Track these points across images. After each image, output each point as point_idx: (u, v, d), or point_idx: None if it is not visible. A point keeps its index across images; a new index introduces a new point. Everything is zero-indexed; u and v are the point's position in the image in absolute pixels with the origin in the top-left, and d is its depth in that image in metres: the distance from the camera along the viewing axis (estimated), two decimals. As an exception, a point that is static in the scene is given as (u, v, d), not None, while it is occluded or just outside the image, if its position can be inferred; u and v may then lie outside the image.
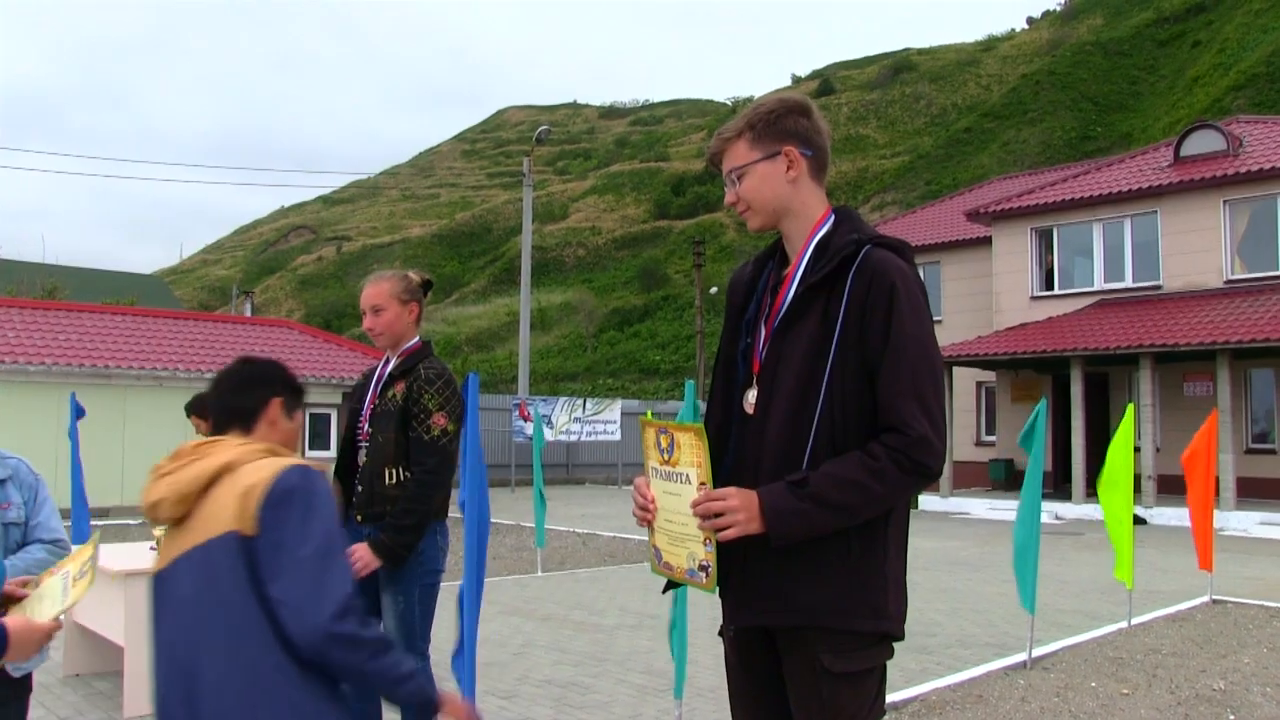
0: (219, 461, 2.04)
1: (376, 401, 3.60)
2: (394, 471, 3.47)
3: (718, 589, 2.04)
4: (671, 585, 2.19)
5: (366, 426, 3.61)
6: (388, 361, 3.68)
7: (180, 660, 1.98)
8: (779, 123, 2.12)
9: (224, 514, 1.97)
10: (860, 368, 1.99)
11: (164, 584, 2.06)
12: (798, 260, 2.14)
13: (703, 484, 1.97)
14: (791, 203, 2.14)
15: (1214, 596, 8.55)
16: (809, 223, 2.16)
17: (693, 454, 1.98)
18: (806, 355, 2.02)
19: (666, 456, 2.04)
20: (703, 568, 2.00)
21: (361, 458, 3.61)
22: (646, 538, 2.19)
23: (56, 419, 15.40)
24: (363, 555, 3.35)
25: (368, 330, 3.63)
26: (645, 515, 2.11)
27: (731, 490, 1.94)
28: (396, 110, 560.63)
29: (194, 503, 2.03)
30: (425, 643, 3.54)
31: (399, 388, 3.54)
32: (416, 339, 3.68)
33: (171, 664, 2.00)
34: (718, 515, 1.93)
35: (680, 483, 2.01)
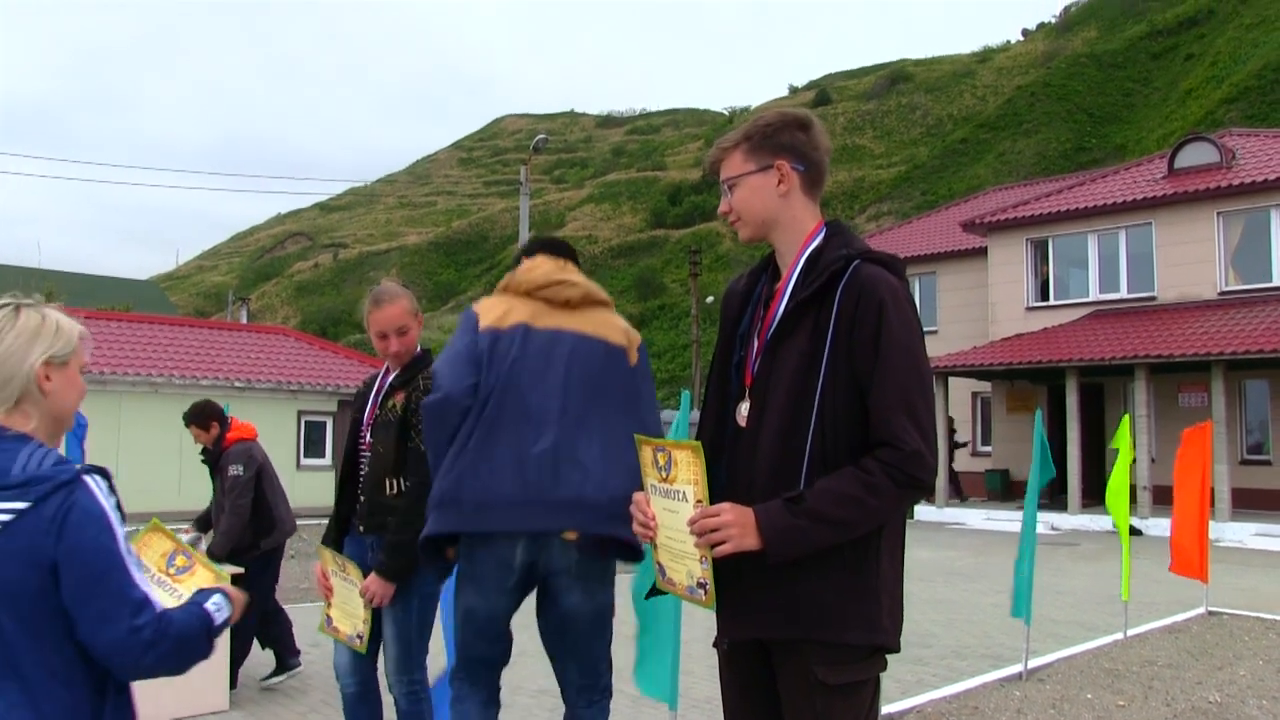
0: (607, 299, 3.10)
1: (377, 412, 3.58)
2: (394, 482, 3.44)
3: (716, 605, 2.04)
4: (656, 592, 2.19)
5: (368, 436, 3.59)
6: (388, 371, 3.66)
7: (551, 405, 2.84)
8: (775, 136, 2.14)
9: (616, 334, 3.00)
10: (850, 381, 2.00)
11: (551, 342, 2.91)
12: (788, 275, 2.15)
13: (699, 501, 1.97)
14: (781, 216, 2.16)
15: (1210, 608, 8.55)
16: (799, 236, 2.17)
17: (690, 471, 1.99)
18: (798, 370, 2.03)
19: (664, 474, 2.05)
20: (700, 585, 2.00)
21: (363, 469, 3.60)
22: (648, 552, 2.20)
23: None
24: (374, 589, 3.32)
25: (393, 354, 3.55)
26: (646, 533, 2.11)
27: (726, 506, 1.95)
28: (393, 119, 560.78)
29: (585, 305, 3.00)
30: (423, 657, 3.51)
31: (399, 398, 3.51)
32: (417, 347, 3.68)
33: (545, 410, 2.84)
34: (713, 530, 1.93)
35: (678, 500, 2.02)
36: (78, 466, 1.67)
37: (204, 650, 1.75)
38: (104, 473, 1.70)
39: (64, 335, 1.81)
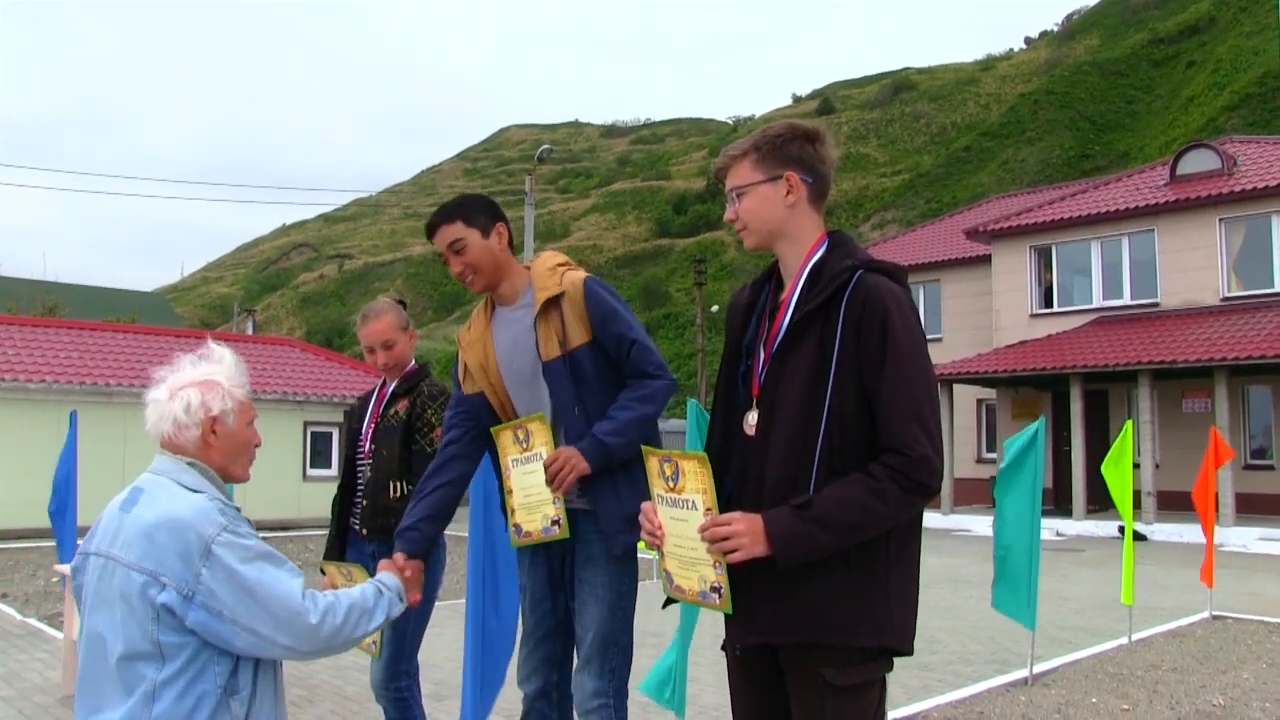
0: None
1: (379, 419, 3.67)
2: (398, 485, 3.52)
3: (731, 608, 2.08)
4: (672, 602, 2.23)
5: (369, 445, 3.67)
6: (385, 383, 3.77)
7: None
8: (784, 147, 2.17)
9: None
10: (858, 389, 2.03)
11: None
12: (793, 286, 2.19)
13: (709, 509, 2.01)
14: (787, 226, 2.19)
15: (1214, 612, 8.56)
16: (803, 247, 2.20)
17: (698, 481, 2.03)
18: (806, 380, 2.06)
19: (671, 484, 2.09)
20: (715, 589, 2.04)
21: (364, 474, 3.66)
22: (654, 559, 2.24)
23: (56, 437, 15.41)
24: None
25: (381, 366, 3.68)
26: (654, 540, 2.15)
27: (737, 515, 1.99)
28: (397, 131, 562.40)
29: None
30: (412, 663, 3.56)
31: (401, 405, 3.62)
32: (413, 361, 3.78)
33: None
34: (724, 539, 1.97)
35: (687, 509, 2.06)
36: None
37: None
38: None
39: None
